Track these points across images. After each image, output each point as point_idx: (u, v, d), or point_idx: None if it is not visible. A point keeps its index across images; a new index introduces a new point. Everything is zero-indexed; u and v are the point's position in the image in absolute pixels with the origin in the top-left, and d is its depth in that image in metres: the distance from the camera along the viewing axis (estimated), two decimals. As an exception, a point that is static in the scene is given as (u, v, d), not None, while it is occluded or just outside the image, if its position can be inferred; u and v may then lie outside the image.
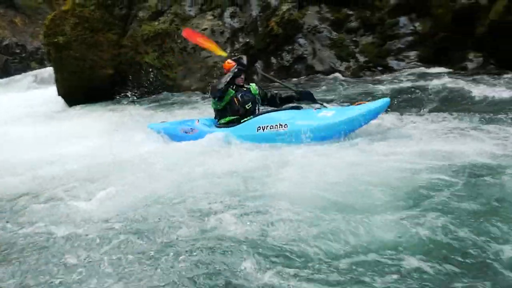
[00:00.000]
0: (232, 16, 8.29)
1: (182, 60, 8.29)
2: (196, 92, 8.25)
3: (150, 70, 8.46)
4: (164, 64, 8.42)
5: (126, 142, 5.48)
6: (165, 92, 8.48)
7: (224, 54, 5.54)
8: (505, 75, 6.24)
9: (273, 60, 8.17)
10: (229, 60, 5.28)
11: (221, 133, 5.03)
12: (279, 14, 8.17)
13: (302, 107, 5.08)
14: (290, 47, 8.12)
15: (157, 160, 4.59)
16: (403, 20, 7.71)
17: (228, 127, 5.09)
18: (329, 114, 4.63)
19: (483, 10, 6.74)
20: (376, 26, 7.85)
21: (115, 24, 9.00)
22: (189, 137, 5.28)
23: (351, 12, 8.07)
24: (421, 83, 6.77)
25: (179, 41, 8.29)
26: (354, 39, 7.96)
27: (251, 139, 4.80)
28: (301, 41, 8.09)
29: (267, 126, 4.80)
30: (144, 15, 8.83)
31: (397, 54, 7.64)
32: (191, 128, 5.41)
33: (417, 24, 7.58)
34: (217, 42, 8.10)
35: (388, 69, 7.62)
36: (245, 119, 5.03)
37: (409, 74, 7.32)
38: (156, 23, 8.60)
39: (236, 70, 5.06)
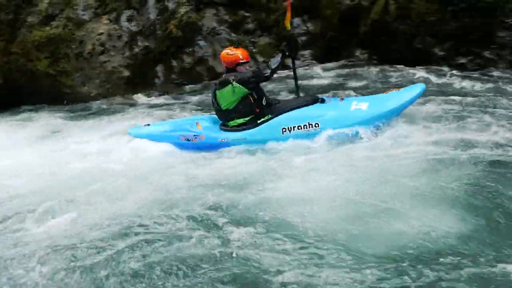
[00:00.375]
0: (129, 19, 8.13)
1: (78, 66, 7.96)
2: (102, 99, 7.97)
3: (44, 77, 8.01)
4: (59, 71, 8.02)
5: (64, 152, 4.93)
6: (70, 101, 8.02)
7: (288, 26, 4.69)
8: (388, 68, 6.93)
9: (174, 63, 8.15)
10: (228, 51, 4.52)
11: (238, 139, 4.38)
12: (177, 17, 8.17)
13: (324, 99, 4.48)
14: (190, 50, 8.15)
15: (119, 171, 4.14)
16: (296, 21, 8.08)
17: (241, 130, 4.43)
18: (364, 107, 4.18)
19: (365, 11, 7.33)
20: (272, 28, 8.16)
21: (2, 29, 8.38)
22: (195, 146, 4.54)
23: (247, 14, 8.30)
24: (318, 78, 7.28)
25: (73, 46, 7.96)
26: (252, 40, 8.21)
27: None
28: (201, 43, 8.17)
29: (294, 127, 4.22)
30: (34, 20, 8.30)
31: (292, 53, 8.02)
32: (194, 135, 4.57)
33: (309, 25, 8.03)
34: (114, 47, 7.97)
35: (286, 68, 7.94)
36: (263, 119, 4.40)
37: (304, 71, 7.77)
38: (48, 28, 8.15)
39: (287, 46, 4.37)
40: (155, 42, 8.12)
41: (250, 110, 4.42)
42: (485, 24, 6.20)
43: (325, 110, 4.26)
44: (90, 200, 3.63)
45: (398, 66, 6.84)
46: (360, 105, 4.20)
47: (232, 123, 4.50)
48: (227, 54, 4.49)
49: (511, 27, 6.09)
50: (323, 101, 4.40)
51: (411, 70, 6.56)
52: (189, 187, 3.63)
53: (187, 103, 7.05)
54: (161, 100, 7.64)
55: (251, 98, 4.39)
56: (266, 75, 4.32)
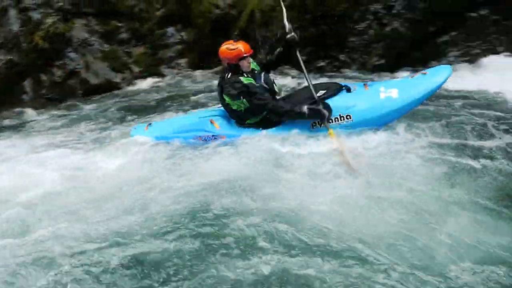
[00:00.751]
0: (-13, 31, 7.54)
1: None
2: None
3: None
4: None
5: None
6: None
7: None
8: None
9: (44, 77, 7.72)
10: (228, 46, 4.18)
11: (267, 135, 3.97)
12: (43, 28, 7.76)
13: (350, 87, 4.16)
14: (60, 62, 7.79)
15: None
16: (170, 30, 8.22)
17: (263, 126, 4.13)
18: (394, 94, 3.94)
19: (234, 19, 7.69)
20: (146, 37, 8.17)
21: None
22: None
23: (120, 24, 8.19)
24: (197, 85, 7.45)
25: None
26: (127, 50, 8.12)
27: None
28: (72, 55, 7.87)
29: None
30: None
31: (169, 62, 8.12)
32: (213, 135, 4.19)
33: (183, 33, 8.18)
34: (-29, 61, 7.31)
35: (162, 77, 8.04)
36: None
37: (181, 79, 7.90)
38: None
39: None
40: (19, 55, 7.60)
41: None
42: (339, 30, 6.90)
43: (355, 99, 4.00)
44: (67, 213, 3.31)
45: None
46: (390, 92, 3.98)
47: (250, 121, 4.23)
48: (228, 49, 4.19)
49: (359, 33, 6.84)
50: (349, 89, 4.12)
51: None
52: (182, 191, 3.36)
53: (74, 116, 6.71)
54: (40, 116, 7.14)
55: None
56: (282, 110, 4.02)
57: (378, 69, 6.76)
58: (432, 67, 4.44)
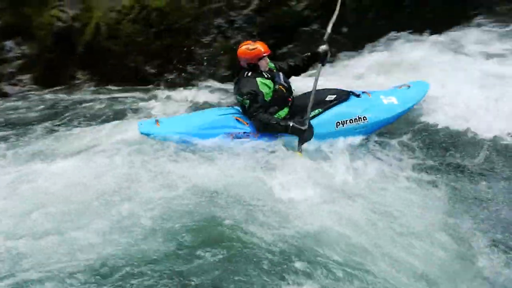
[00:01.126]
0: None
1: None
2: None
3: None
4: None
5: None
6: None
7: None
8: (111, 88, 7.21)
9: None
10: (248, 46, 4.22)
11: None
12: None
13: (357, 93, 4.56)
14: None
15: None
16: (9, 44, 7.61)
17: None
18: (395, 101, 4.54)
19: (78, 32, 7.37)
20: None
21: None
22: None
23: None
24: (47, 102, 6.94)
25: None
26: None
27: (329, 137, 4.23)
28: None
29: (346, 121, 4.32)
30: None
31: (10, 79, 7.52)
32: (244, 132, 4.14)
33: (24, 47, 7.62)
34: None
35: (3, 95, 7.41)
36: (313, 113, 4.22)
37: (28, 97, 7.33)
38: None
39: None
40: None
41: (285, 101, 4.36)
42: (184, 43, 7.00)
43: (366, 104, 4.47)
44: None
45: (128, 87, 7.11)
46: (390, 99, 4.55)
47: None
48: (248, 49, 4.23)
49: (205, 46, 7.03)
50: (358, 95, 4.55)
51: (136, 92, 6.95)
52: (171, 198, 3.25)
53: None
54: None
55: (284, 89, 4.31)
56: (271, 123, 4.10)
57: (226, 80, 6.99)
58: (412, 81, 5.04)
